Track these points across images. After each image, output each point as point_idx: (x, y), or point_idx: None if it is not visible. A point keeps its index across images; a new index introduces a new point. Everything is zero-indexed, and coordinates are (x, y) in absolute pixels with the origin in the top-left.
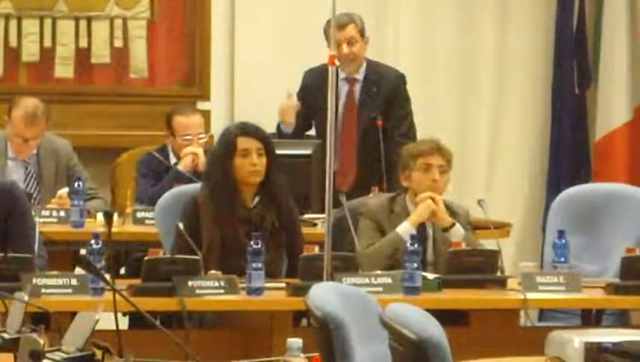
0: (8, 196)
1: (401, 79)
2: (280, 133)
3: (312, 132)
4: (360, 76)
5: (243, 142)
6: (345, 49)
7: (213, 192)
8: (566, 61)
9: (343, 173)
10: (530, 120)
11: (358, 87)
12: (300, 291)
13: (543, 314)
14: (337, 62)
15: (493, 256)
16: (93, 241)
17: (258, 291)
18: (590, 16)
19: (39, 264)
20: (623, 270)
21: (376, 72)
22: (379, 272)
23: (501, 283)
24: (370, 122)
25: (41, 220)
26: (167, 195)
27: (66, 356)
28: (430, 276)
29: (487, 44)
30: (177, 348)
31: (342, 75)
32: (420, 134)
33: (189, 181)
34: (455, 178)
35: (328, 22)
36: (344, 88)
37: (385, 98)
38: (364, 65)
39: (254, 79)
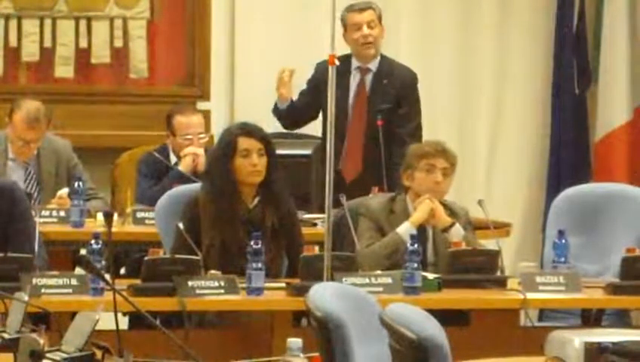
0: (8, 196)
1: (414, 78)
2: (276, 110)
3: (312, 132)
4: (373, 67)
5: (244, 143)
6: (365, 30)
7: (214, 192)
8: (566, 61)
9: (349, 161)
10: (530, 120)
11: (369, 78)
12: (300, 291)
13: (543, 314)
14: (355, 47)
15: (493, 256)
16: (93, 241)
17: (258, 291)
18: (590, 16)
19: (39, 264)
20: (623, 270)
21: (390, 66)
22: (379, 272)
23: (501, 283)
24: (375, 118)
25: (41, 220)
26: (167, 195)
27: (66, 356)
28: (430, 276)
29: (487, 43)
30: (177, 348)
31: (355, 64)
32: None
33: (189, 181)
34: (455, 178)
35: (346, 8)
36: (356, 77)
37: (395, 93)
38: (379, 58)
39: (254, 79)
